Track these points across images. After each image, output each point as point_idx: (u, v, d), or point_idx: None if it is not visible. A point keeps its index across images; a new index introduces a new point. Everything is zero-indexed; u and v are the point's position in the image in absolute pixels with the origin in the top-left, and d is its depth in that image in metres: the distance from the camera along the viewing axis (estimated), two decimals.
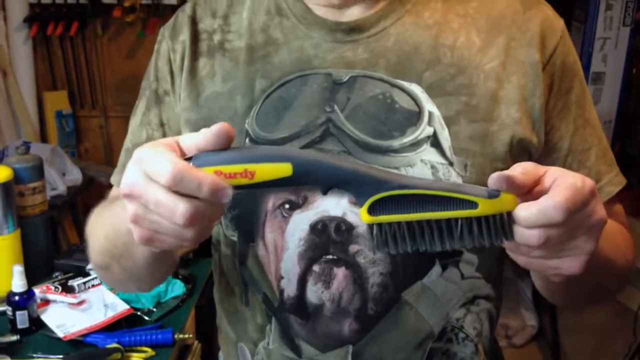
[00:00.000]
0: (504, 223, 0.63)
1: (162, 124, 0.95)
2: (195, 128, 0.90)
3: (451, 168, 0.84)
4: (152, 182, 0.61)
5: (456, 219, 0.63)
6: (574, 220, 0.63)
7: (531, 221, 0.62)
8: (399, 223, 0.64)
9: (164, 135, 0.95)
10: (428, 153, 0.84)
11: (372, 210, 0.64)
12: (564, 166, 0.91)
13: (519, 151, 0.87)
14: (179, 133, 0.94)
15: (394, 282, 0.87)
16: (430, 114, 0.85)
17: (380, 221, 0.64)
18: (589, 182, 0.65)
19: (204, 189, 0.60)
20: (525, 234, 0.63)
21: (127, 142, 0.99)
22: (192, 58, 0.92)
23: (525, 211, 0.62)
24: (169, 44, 0.94)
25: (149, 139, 0.95)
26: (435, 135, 0.84)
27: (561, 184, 0.63)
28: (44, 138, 2.90)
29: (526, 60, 0.87)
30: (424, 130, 0.84)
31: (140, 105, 0.98)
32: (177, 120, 0.94)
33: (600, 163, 0.93)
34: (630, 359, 2.55)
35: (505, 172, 0.62)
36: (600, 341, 2.96)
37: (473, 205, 0.63)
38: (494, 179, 0.62)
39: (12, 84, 2.72)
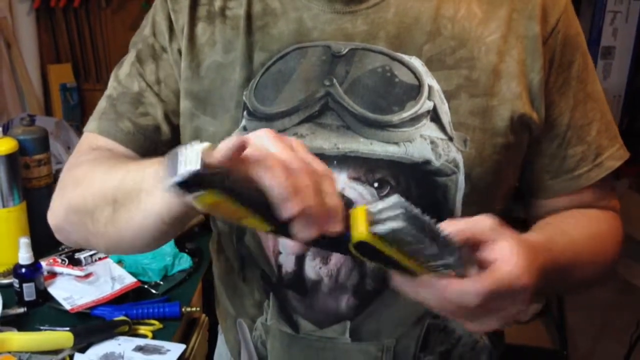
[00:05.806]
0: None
1: (158, 82, 0.93)
2: (197, 100, 0.90)
3: (451, 143, 0.83)
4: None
5: None
6: (494, 304, 0.67)
7: (448, 296, 0.66)
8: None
9: (158, 93, 0.93)
10: (427, 128, 0.83)
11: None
12: (563, 141, 0.89)
13: (520, 127, 0.85)
14: (174, 92, 0.93)
15: None
16: (430, 88, 0.83)
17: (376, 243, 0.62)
18: (524, 279, 0.67)
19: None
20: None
21: (111, 90, 0.96)
22: (191, 24, 0.90)
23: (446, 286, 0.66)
24: (169, 3, 0.92)
25: (142, 91, 0.93)
26: (435, 109, 0.83)
27: (495, 271, 0.67)
28: (48, 111, 2.88)
29: (526, 34, 0.85)
30: (424, 104, 0.83)
31: (129, 57, 0.95)
32: (173, 80, 0.92)
33: (601, 137, 0.91)
34: (638, 336, 2.55)
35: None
36: (606, 318, 2.97)
37: None
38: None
39: (16, 56, 2.69)
